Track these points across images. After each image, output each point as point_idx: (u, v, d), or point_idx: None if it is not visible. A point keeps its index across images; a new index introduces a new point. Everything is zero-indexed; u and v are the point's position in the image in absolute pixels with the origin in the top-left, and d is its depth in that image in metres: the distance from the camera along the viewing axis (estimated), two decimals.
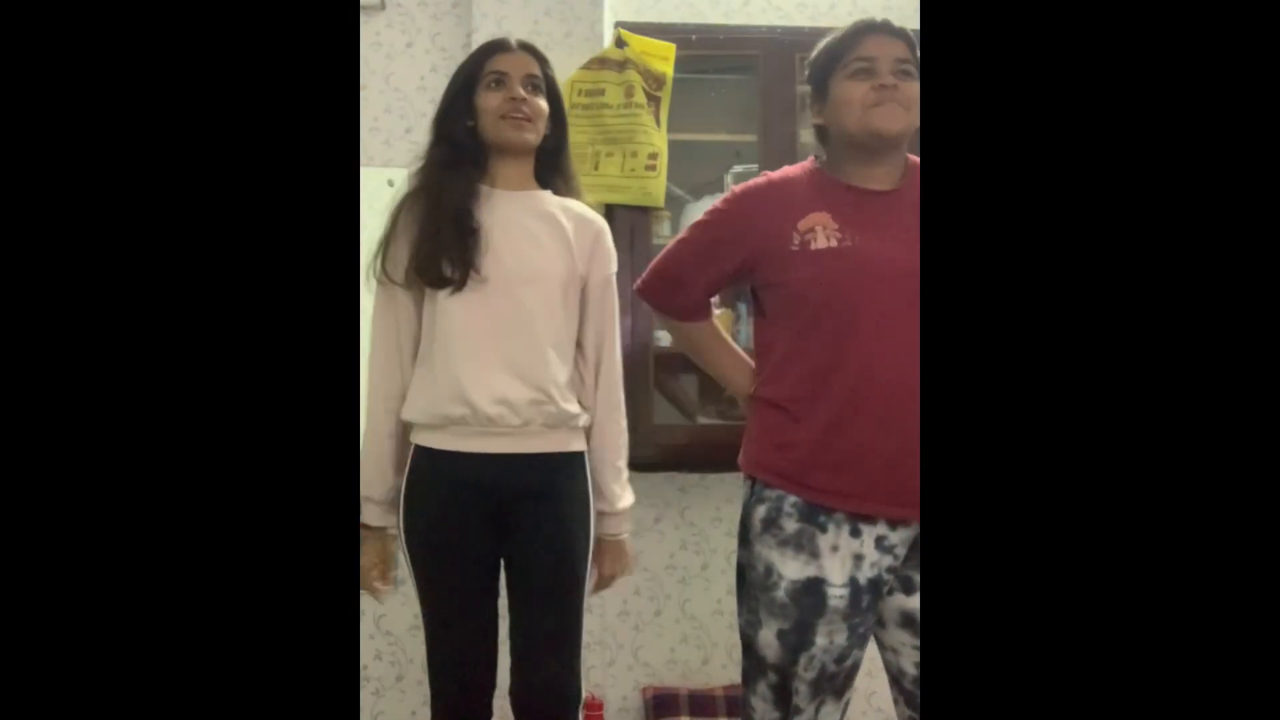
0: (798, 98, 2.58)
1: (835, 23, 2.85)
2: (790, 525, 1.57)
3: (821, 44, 1.67)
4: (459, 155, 1.74)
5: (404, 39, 2.81)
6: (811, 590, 1.55)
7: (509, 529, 1.70)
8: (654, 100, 2.52)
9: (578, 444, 1.77)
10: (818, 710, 1.58)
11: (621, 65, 2.52)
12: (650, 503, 2.75)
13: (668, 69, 2.52)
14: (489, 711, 1.74)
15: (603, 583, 1.82)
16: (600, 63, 2.54)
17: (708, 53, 2.62)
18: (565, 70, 2.60)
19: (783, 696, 1.59)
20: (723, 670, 2.72)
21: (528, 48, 1.77)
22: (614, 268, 1.83)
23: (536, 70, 1.75)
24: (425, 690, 2.66)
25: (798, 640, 1.55)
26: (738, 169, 2.69)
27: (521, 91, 1.71)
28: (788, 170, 1.71)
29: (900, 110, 1.57)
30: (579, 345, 1.79)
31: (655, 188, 2.50)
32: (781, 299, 1.62)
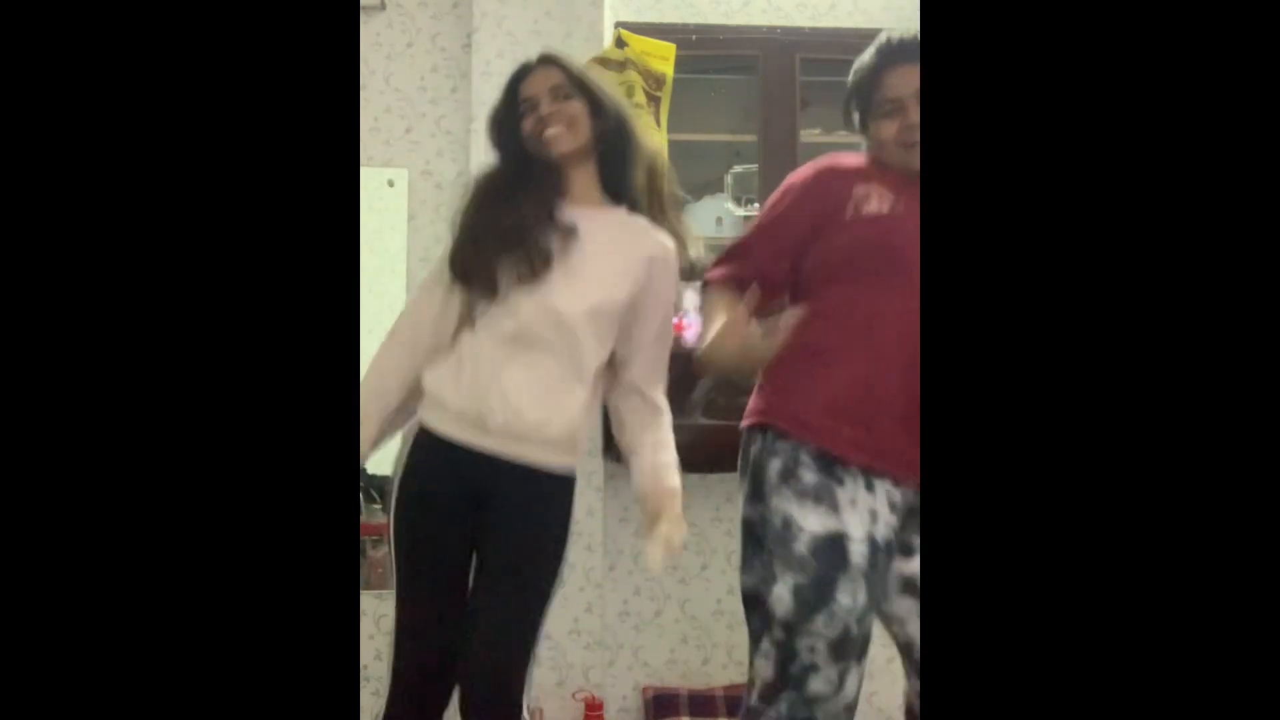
0: (798, 98, 2.58)
1: (836, 23, 2.87)
2: (809, 477, 1.55)
3: (852, 76, 1.69)
4: (526, 170, 1.73)
5: (404, 39, 2.81)
6: (834, 545, 1.50)
7: (483, 524, 1.69)
8: (654, 100, 2.52)
9: (570, 461, 1.74)
10: (842, 676, 1.51)
11: (621, 65, 2.52)
12: None
13: (668, 69, 2.52)
14: (445, 698, 1.71)
15: (660, 543, 1.71)
16: (600, 63, 2.54)
17: (708, 53, 2.62)
18: None
19: (785, 656, 1.52)
20: (723, 670, 2.72)
21: (548, 60, 1.75)
22: (670, 307, 1.78)
23: (560, 79, 1.72)
24: None
25: (816, 596, 1.49)
26: (738, 169, 2.69)
27: (548, 108, 1.70)
28: (847, 156, 1.73)
29: None
30: (621, 376, 1.77)
31: None
32: (828, 261, 1.62)
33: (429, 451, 1.71)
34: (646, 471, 1.76)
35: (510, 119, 1.74)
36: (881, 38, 1.67)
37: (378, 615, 2.68)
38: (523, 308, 1.67)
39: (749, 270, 1.65)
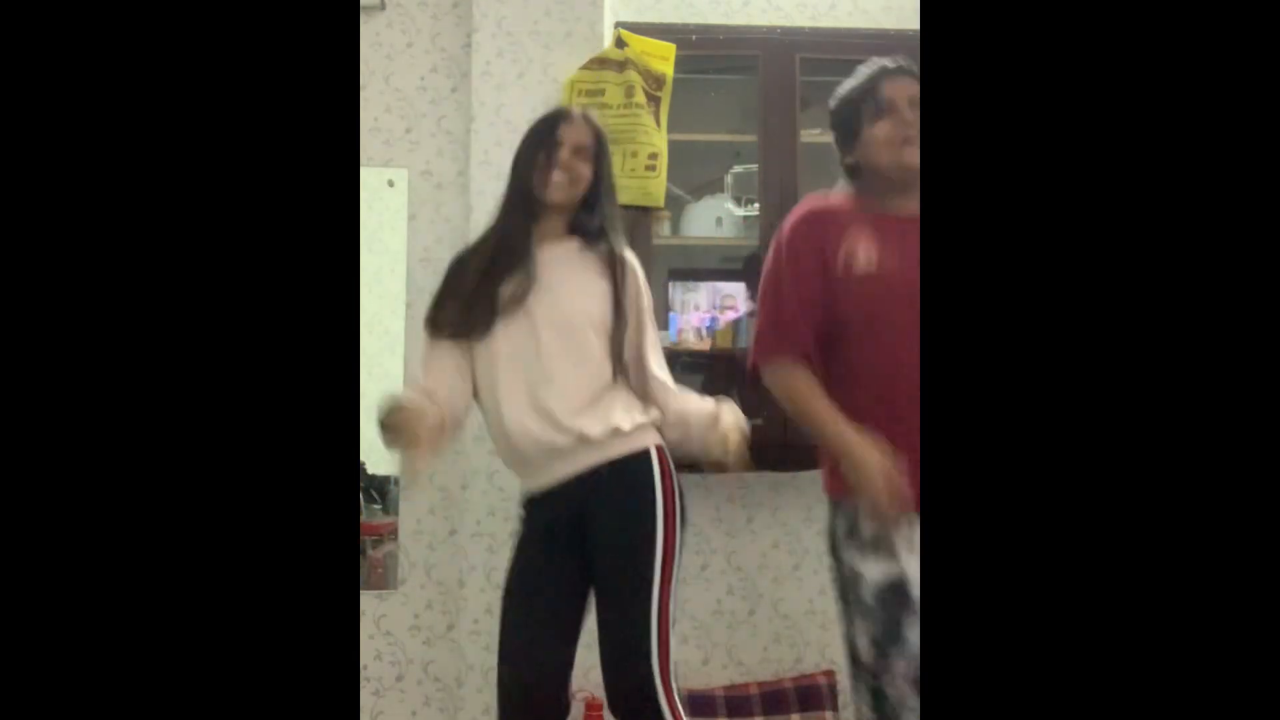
0: (798, 98, 2.58)
1: (835, 23, 2.87)
2: (868, 530, 1.64)
3: (841, 90, 1.81)
4: (514, 208, 1.94)
5: (404, 39, 2.81)
6: (895, 589, 1.61)
7: (584, 545, 1.84)
8: (654, 100, 2.52)
9: (635, 445, 1.86)
10: None
11: (621, 65, 2.52)
12: None
13: (668, 69, 2.52)
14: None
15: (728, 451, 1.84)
16: (600, 63, 2.54)
17: (708, 53, 2.62)
18: (565, 70, 2.60)
19: (879, 699, 1.62)
20: (723, 670, 2.72)
21: (588, 120, 1.96)
22: (646, 301, 1.96)
23: (589, 142, 1.93)
24: (425, 690, 2.67)
25: (888, 638, 1.60)
26: (738, 169, 2.69)
27: (566, 158, 1.90)
28: (829, 197, 1.81)
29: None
30: (629, 365, 1.91)
31: (655, 188, 2.50)
32: (833, 323, 1.72)
33: (524, 514, 1.91)
34: (683, 412, 1.90)
35: (535, 154, 1.93)
36: (871, 62, 1.80)
37: (378, 615, 2.68)
38: (524, 339, 1.85)
39: (803, 343, 1.72)
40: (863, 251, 1.68)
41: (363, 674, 2.66)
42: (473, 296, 1.88)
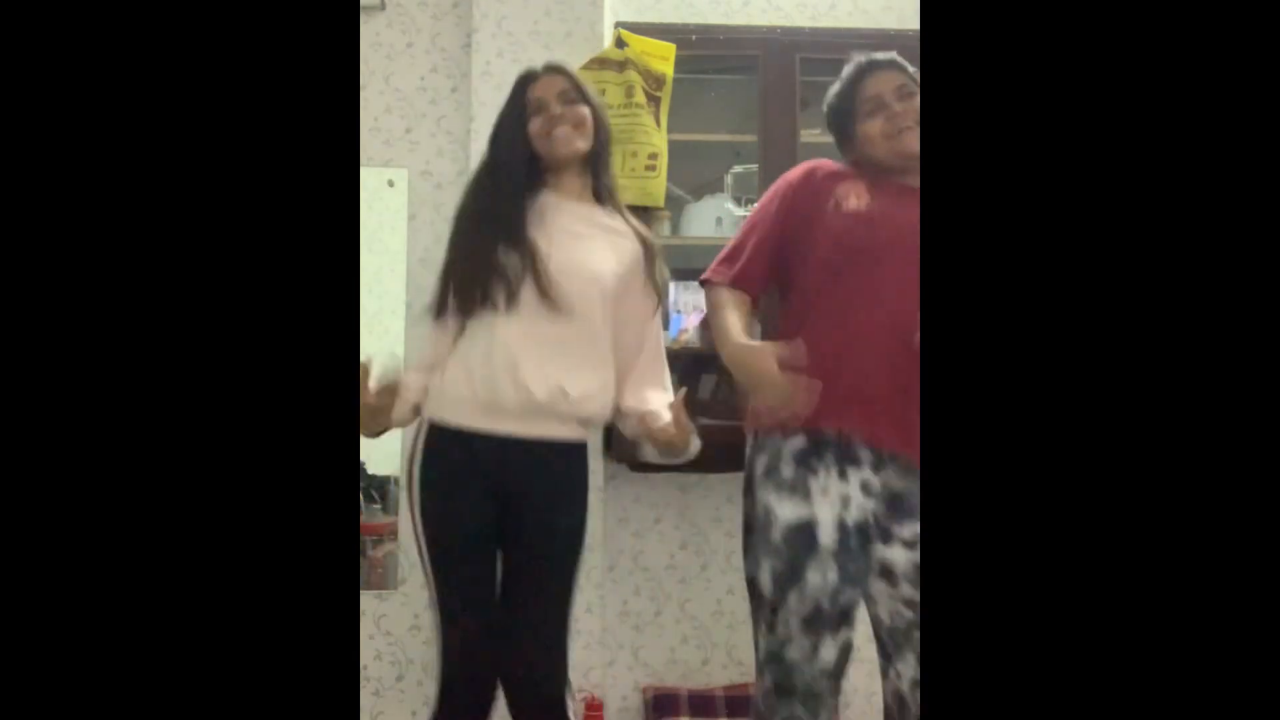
0: (798, 98, 2.58)
1: (835, 23, 2.88)
2: (787, 471, 1.70)
3: (829, 95, 1.89)
4: (510, 171, 1.85)
5: (404, 39, 2.81)
6: (803, 530, 1.67)
7: (508, 508, 1.77)
8: (654, 100, 2.52)
9: (582, 434, 1.84)
10: (815, 647, 1.65)
11: (621, 65, 2.52)
12: (650, 503, 2.75)
13: (668, 69, 2.52)
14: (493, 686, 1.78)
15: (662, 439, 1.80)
16: (600, 63, 2.54)
17: (708, 53, 2.62)
18: None
19: (770, 631, 1.69)
20: (723, 670, 2.72)
21: (555, 68, 1.89)
22: (657, 293, 1.90)
23: (567, 86, 1.85)
24: (425, 690, 2.67)
25: (789, 576, 1.66)
26: (738, 169, 2.69)
27: (558, 110, 1.82)
28: (830, 161, 1.89)
29: (916, 131, 1.78)
30: (628, 358, 1.87)
31: (655, 188, 2.50)
32: (811, 256, 1.77)
33: (445, 446, 1.77)
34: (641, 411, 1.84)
35: (518, 119, 1.85)
36: (852, 61, 1.87)
37: (378, 615, 2.68)
38: (531, 294, 1.76)
39: (746, 272, 1.81)
40: (855, 194, 1.76)
41: (363, 674, 2.66)
42: (486, 272, 1.77)
